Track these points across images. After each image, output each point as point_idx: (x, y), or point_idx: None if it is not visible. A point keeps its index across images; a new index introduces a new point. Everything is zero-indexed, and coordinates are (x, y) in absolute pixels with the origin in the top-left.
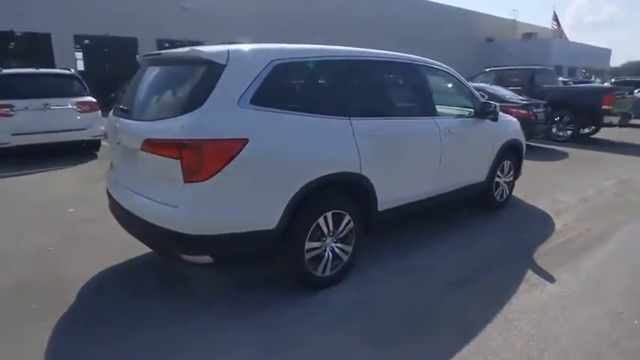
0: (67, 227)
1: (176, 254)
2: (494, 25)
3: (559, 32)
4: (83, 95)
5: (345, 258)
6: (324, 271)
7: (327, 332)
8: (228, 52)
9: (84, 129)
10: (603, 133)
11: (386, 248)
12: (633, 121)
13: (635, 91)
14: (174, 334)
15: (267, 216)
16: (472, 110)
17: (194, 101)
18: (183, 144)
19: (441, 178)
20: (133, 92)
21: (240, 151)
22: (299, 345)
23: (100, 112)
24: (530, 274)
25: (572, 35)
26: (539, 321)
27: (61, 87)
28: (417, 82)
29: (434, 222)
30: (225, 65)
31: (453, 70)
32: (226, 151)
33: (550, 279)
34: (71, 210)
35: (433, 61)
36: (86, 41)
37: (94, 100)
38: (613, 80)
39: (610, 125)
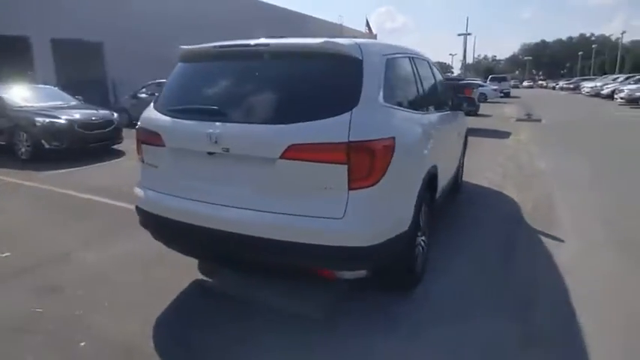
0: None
1: (324, 272)
2: (325, 29)
3: (372, 36)
4: None
5: (424, 251)
6: (419, 268)
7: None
8: (359, 45)
9: None
10: None
11: None
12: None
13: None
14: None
15: (407, 215)
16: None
17: (346, 99)
18: (352, 147)
19: (453, 168)
20: (210, 89)
21: (394, 150)
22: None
23: None
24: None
25: (378, 38)
26: None
27: None
28: (435, 78)
29: None
30: (362, 60)
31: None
32: (389, 151)
33: None
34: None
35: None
36: None
37: None
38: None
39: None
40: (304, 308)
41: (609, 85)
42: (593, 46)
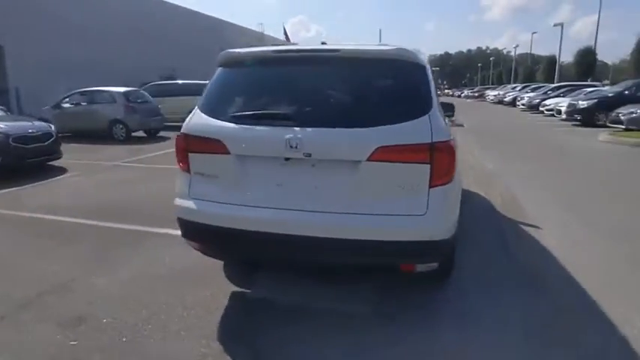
0: None
1: (406, 266)
2: (247, 36)
3: (290, 44)
4: None
5: None
6: None
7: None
8: (420, 53)
9: None
10: None
11: None
12: None
13: None
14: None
15: (458, 209)
16: None
17: (422, 103)
18: (434, 147)
19: None
20: (278, 95)
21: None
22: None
23: None
24: None
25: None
26: None
27: None
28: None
29: None
30: (425, 67)
31: None
32: (455, 150)
33: None
34: None
35: None
36: None
37: None
38: None
39: None
40: (351, 306)
41: (510, 94)
42: (491, 58)
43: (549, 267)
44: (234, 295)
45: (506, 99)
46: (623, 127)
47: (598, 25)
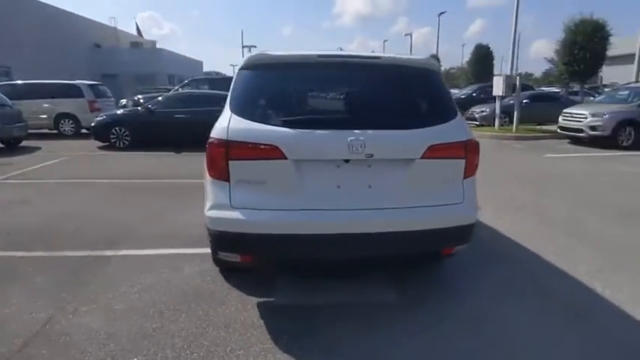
0: None
1: (448, 250)
2: (99, 29)
3: (150, 42)
4: None
5: None
6: None
7: None
8: (435, 62)
9: None
10: None
11: None
12: None
13: None
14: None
15: None
16: None
17: (452, 106)
18: (467, 144)
19: None
20: (327, 99)
21: None
22: None
23: None
24: None
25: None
26: None
27: None
28: None
29: None
30: (440, 74)
31: None
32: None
33: None
34: None
35: None
36: None
37: None
38: None
39: None
40: (375, 295)
41: None
42: None
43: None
44: (261, 306)
45: None
46: (477, 123)
47: (438, 38)
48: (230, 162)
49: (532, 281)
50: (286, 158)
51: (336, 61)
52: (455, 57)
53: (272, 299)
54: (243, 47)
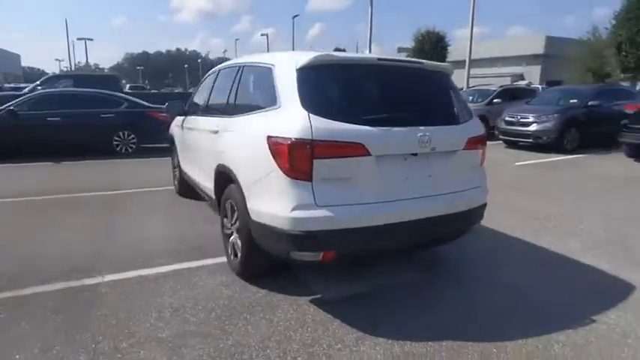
0: None
1: (469, 228)
2: None
3: None
4: None
5: None
6: None
7: None
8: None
9: None
10: None
11: None
12: None
13: None
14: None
15: None
16: None
17: (467, 107)
18: (485, 138)
19: None
20: (390, 98)
21: None
22: None
23: None
24: None
25: None
26: None
27: None
28: None
29: None
30: None
31: None
32: None
33: None
34: None
35: None
36: None
37: None
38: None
39: None
40: (406, 277)
41: None
42: (199, 60)
43: None
44: (316, 303)
45: None
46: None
47: (294, 40)
48: (315, 161)
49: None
50: (370, 154)
51: (392, 64)
52: None
53: (319, 295)
54: (69, 40)
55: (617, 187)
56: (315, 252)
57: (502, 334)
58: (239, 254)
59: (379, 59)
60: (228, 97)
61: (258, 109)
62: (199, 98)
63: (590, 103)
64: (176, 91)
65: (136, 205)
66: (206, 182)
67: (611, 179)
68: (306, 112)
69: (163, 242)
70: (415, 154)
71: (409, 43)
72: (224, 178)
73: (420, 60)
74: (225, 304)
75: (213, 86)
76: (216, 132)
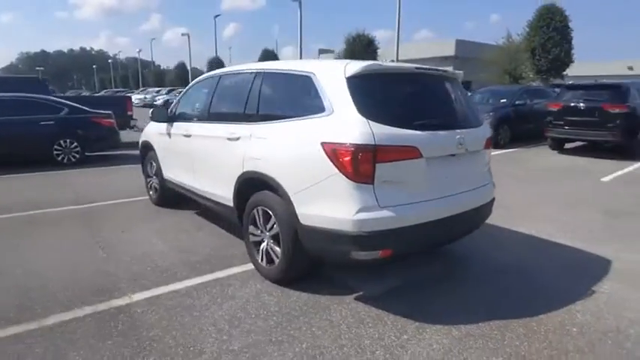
0: None
1: (483, 222)
2: None
3: None
4: None
5: None
6: None
7: None
8: None
9: None
10: None
11: None
12: None
13: None
14: None
15: None
16: None
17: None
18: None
19: None
20: (430, 103)
21: None
22: None
23: None
24: None
25: None
26: None
27: None
28: None
29: None
30: None
31: None
32: None
33: None
34: None
35: None
36: None
37: None
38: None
39: None
40: (427, 270)
41: (159, 97)
42: (109, 60)
43: None
44: (363, 301)
45: (157, 102)
46: None
47: (216, 41)
48: (377, 165)
49: None
50: (422, 157)
51: (425, 72)
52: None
53: (360, 293)
54: None
55: (557, 175)
56: (376, 251)
57: (531, 310)
58: (276, 260)
59: (417, 68)
60: (246, 103)
61: (298, 115)
62: (191, 105)
63: (517, 102)
64: (83, 94)
65: (118, 217)
66: (215, 190)
67: (551, 170)
68: (364, 119)
69: (171, 254)
70: (453, 155)
71: (325, 44)
72: (254, 184)
73: (443, 68)
74: (277, 311)
75: (214, 93)
76: (236, 138)
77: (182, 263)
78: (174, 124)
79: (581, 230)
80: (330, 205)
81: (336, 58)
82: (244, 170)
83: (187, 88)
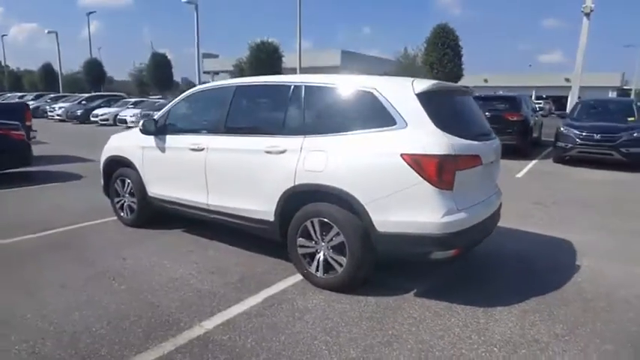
0: None
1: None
2: None
3: None
4: None
5: None
6: None
7: None
8: None
9: None
10: None
11: None
12: None
13: None
14: None
15: None
16: None
17: None
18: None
19: None
20: (468, 117)
21: None
22: None
23: None
24: None
25: None
26: None
27: None
28: None
29: None
30: None
31: None
32: None
33: None
34: None
35: None
36: None
37: None
38: None
39: None
40: (449, 269)
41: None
42: None
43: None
44: (421, 296)
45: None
46: None
47: (91, 41)
48: (457, 172)
49: None
50: (482, 164)
51: (464, 89)
52: (73, 61)
53: (414, 290)
54: None
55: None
56: (451, 250)
57: (544, 288)
58: (339, 269)
59: (462, 86)
60: (286, 116)
61: (362, 128)
62: (194, 116)
63: None
64: None
65: (97, 244)
66: (246, 205)
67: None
68: (441, 131)
69: (206, 278)
70: (492, 162)
71: (206, 49)
72: (308, 197)
73: (468, 85)
74: (359, 316)
75: (230, 104)
76: (281, 151)
77: (224, 285)
78: (169, 137)
79: (531, 219)
80: (413, 210)
81: (240, 64)
82: (297, 183)
83: (180, 98)
